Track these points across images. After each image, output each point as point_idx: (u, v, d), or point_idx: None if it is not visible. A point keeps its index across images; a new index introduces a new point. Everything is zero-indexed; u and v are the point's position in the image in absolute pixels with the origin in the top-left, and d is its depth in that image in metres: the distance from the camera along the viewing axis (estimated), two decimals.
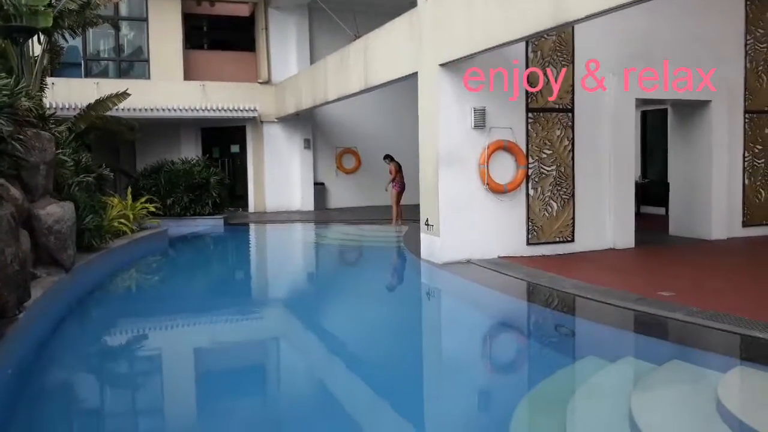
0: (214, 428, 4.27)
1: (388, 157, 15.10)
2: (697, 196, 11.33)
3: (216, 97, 18.07)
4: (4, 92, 5.40)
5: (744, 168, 11.52)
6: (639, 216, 12.03)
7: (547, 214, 9.96)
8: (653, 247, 10.62)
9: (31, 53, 11.09)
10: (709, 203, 11.15)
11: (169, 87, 17.73)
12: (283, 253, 13.65)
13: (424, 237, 10.01)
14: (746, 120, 11.45)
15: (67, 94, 16.00)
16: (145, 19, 18.13)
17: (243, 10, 20.03)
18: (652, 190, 15.61)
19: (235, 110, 17.95)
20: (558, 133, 9.97)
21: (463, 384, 5.17)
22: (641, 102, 12.02)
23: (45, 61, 11.59)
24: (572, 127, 10.04)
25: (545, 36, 9.37)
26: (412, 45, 10.15)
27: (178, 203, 16.12)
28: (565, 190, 10.06)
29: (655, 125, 15.66)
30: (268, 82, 18.95)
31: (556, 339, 6.48)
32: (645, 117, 16.00)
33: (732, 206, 11.41)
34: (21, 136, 6.57)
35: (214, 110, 17.74)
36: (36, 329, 5.76)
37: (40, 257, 7.05)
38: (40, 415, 4.53)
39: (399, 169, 14.92)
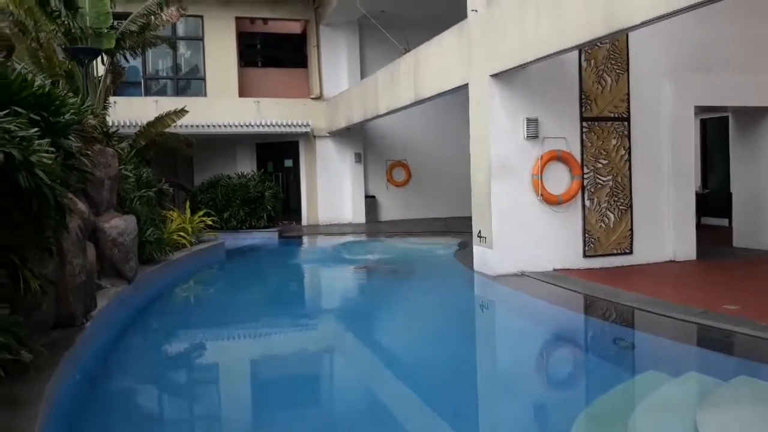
0: None
1: None
2: (762, 206, 10.88)
3: (270, 113, 18.46)
4: (72, 110, 5.68)
5: None
6: (700, 227, 11.64)
7: (603, 226, 9.74)
8: (716, 259, 10.24)
9: (95, 74, 11.60)
10: None
11: (224, 104, 18.23)
12: (337, 266, 13.74)
13: (477, 249, 9.93)
14: None
15: (128, 112, 16.60)
16: (201, 39, 18.72)
17: (295, 28, 20.45)
18: (713, 200, 15.08)
19: (289, 125, 18.27)
20: (614, 142, 9.76)
21: (522, 398, 5.09)
22: (700, 110, 11.64)
23: (108, 81, 12.09)
24: (628, 137, 9.82)
25: (598, 44, 9.22)
26: (462, 57, 10.15)
27: (235, 217, 16.50)
28: (622, 200, 9.82)
29: (715, 133, 15.15)
30: (319, 97, 19.25)
31: (616, 353, 6.31)
32: (705, 125, 15.50)
33: None
34: (88, 152, 6.84)
35: (268, 126, 18.10)
36: (101, 337, 5.97)
37: (105, 269, 7.31)
38: (106, 420, 4.69)
39: None
